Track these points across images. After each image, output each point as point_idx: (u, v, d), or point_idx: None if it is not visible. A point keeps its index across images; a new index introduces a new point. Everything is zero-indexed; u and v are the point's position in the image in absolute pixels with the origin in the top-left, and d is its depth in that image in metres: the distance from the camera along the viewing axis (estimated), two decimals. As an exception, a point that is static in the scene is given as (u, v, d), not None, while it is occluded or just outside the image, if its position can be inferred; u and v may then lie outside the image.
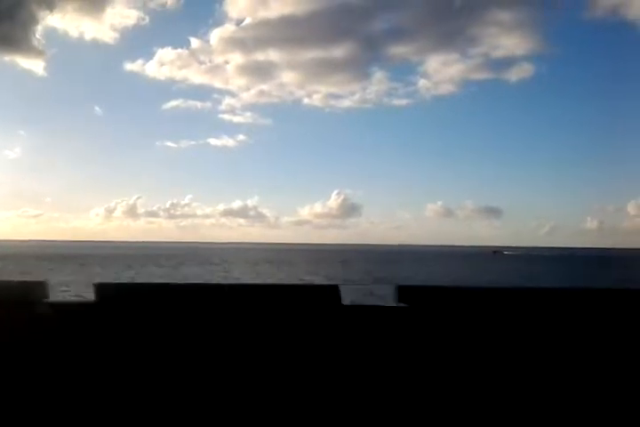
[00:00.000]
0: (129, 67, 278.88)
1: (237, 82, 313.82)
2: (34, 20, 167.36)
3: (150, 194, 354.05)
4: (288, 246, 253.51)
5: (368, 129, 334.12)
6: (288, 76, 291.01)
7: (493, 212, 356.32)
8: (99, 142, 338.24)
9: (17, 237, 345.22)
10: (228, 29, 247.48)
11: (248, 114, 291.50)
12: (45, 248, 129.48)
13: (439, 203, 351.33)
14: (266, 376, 3.39)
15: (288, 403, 3.33)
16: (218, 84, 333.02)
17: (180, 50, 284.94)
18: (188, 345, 3.45)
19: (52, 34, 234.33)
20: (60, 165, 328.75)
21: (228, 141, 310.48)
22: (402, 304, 3.48)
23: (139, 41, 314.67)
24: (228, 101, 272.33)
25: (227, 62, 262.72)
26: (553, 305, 3.44)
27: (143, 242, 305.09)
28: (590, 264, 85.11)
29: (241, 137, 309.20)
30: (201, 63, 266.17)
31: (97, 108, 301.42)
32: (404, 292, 3.53)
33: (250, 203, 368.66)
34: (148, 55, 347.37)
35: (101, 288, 3.61)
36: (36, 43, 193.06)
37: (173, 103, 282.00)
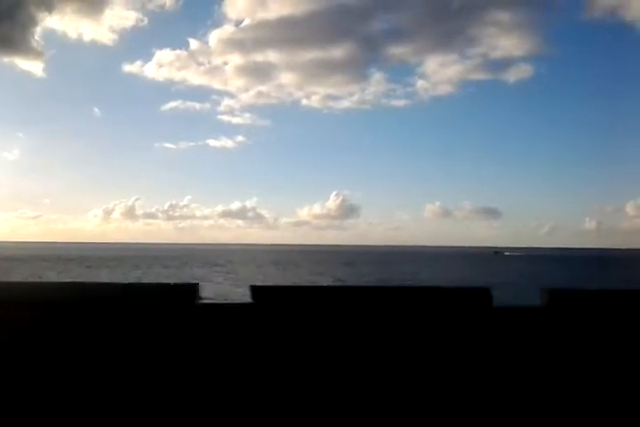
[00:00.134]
0: (128, 68, 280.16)
1: (236, 83, 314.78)
2: (33, 22, 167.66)
3: (149, 195, 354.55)
4: (287, 247, 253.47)
5: (366, 130, 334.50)
6: (287, 77, 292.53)
7: (492, 212, 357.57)
8: (97, 144, 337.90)
9: (15, 238, 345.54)
10: (226, 30, 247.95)
11: (247, 115, 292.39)
12: (45, 250, 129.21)
13: (437, 204, 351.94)
14: (410, 378, 3.40)
15: (435, 405, 3.35)
16: (216, 85, 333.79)
17: (178, 51, 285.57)
18: (339, 348, 3.47)
19: (50, 35, 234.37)
20: (58, 167, 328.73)
21: (226, 142, 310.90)
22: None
23: (137, 42, 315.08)
24: (226, 102, 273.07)
25: (225, 63, 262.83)
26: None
27: (142, 243, 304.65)
28: (591, 265, 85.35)
29: (240, 138, 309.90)
30: (200, 64, 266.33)
31: (96, 110, 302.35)
32: (552, 294, 3.53)
33: (248, 204, 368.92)
34: (147, 56, 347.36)
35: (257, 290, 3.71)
36: (35, 44, 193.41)
37: (172, 104, 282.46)
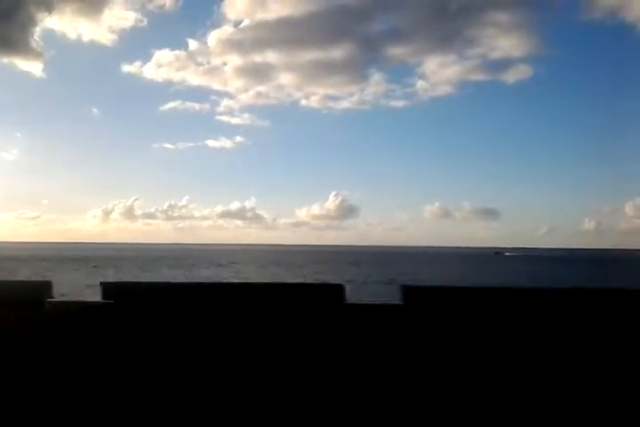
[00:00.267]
0: (127, 68, 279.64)
1: (235, 83, 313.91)
2: (32, 22, 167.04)
3: (148, 196, 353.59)
4: (285, 248, 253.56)
5: (366, 130, 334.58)
6: (286, 78, 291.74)
7: (491, 213, 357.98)
8: (96, 144, 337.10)
9: (14, 238, 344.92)
10: (225, 31, 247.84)
11: (246, 115, 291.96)
12: (46, 250, 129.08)
13: (437, 204, 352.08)
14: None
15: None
16: (216, 85, 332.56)
17: (177, 51, 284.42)
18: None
19: (50, 36, 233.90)
20: (57, 167, 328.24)
21: (225, 143, 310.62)
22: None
23: (136, 43, 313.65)
24: (225, 103, 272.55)
25: (224, 64, 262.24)
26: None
27: (141, 244, 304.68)
28: (593, 265, 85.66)
29: (239, 139, 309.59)
30: (199, 65, 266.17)
31: (95, 110, 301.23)
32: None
33: (247, 204, 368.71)
34: (146, 57, 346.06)
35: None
36: (34, 44, 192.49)
37: (171, 105, 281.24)
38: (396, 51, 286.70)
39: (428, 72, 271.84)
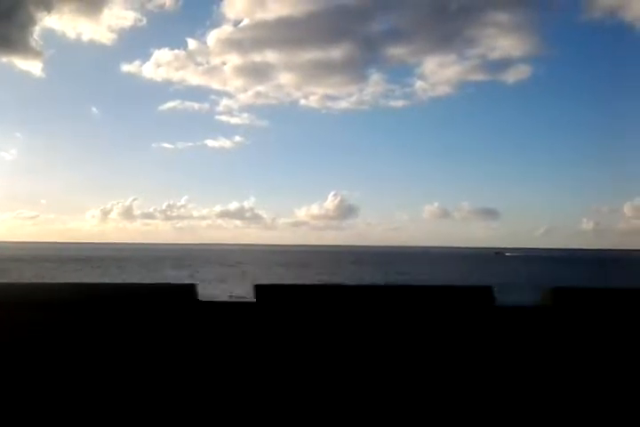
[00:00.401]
0: (126, 68, 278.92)
1: (234, 83, 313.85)
2: (31, 21, 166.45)
3: (146, 195, 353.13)
4: (285, 248, 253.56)
5: (365, 130, 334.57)
6: (285, 78, 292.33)
7: (490, 213, 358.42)
8: (95, 144, 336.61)
9: (13, 238, 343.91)
10: (225, 30, 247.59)
11: (245, 115, 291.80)
12: (45, 250, 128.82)
13: (436, 204, 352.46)
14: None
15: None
16: (215, 85, 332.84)
17: (177, 51, 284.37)
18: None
19: (49, 35, 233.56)
20: (56, 167, 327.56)
21: (225, 143, 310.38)
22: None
23: (136, 42, 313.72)
24: (225, 103, 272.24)
25: (224, 63, 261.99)
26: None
27: (140, 243, 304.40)
28: (594, 265, 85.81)
29: (238, 138, 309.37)
30: (198, 64, 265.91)
31: (94, 110, 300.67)
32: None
33: (246, 204, 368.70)
34: (145, 56, 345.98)
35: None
36: (33, 44, 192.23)
37: (170, 104, 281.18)
38: (396, 51, 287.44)
39: (427, 72, 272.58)
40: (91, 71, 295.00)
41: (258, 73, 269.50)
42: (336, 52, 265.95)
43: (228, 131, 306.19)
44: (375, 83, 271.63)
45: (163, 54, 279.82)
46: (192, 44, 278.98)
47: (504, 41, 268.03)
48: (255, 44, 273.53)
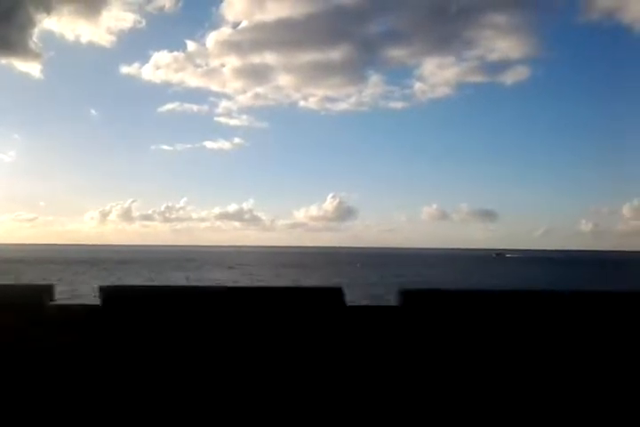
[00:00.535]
0: (125, 70, 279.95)
1: (233, 85, 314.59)
2: (31, 23, 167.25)
3: (145, 197, 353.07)
4: (283, 249, 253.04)
5: (364, 132, 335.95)
6: (284, 79, 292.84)
7: (488, 214, 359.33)
8: (94, 145, 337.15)
9: (11, 240, 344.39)
10: (224, 32, 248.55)
11: (244, 117, 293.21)
12: (45, 252, 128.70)
13: (434, 206, 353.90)
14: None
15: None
16: (214, 87, 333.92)
17: (176, 53, 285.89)
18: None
19: (48, 37, 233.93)
20: (54, 169, 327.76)
21: (224, 144, 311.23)
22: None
23: (135, 44, 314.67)
24: (224, 104, 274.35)
25: (223, 65, 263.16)
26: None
27: (139, 245, 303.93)
28: (594, 267, 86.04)
29: (237, 140, 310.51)
30: (197, 66, 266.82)
31: (93, 111, 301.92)
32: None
33: (245, 206, 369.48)
34: (145, 58, 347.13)
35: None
36: (32, 46, 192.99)
37: (169, 106, 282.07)
38: (395, 52, 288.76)
39: (426, 74, 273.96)
40: (90, 73, 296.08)
41: (257, 75, 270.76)
42: (335, 54, 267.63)
43: (226, 132, 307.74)
44: (374, 84, 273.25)
45: (162, 56, 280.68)
46: (191, 45, 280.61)
47: (502, 42, 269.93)
48: (254, 46, 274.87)
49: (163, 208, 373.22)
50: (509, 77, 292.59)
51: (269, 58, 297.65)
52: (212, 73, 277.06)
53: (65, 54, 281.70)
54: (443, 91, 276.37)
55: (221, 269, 64.48)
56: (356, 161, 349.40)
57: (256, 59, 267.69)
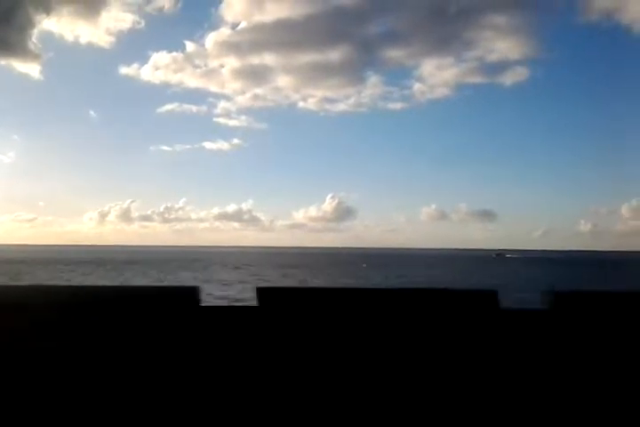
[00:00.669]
0: (124, 70, 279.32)
1: (232, 86, 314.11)
2: (30, 24, 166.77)
3: (144, 198, 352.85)
4: (283, 250, 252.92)
5: (363, 133, 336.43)
6: (283, 80, 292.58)
7: (487, 215, 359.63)
8: (93, 146, 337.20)
9: (11, 241, 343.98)
10: (223, 33, 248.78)
11: (243, 117, 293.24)
12: (46, 253, 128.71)
13: (433, 206, 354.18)
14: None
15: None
16: (213, 87, 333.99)
17: (175, 54, 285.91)
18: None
19: (47, 38, 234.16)
20: (53, 169, 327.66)
21: (222, 145, 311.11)
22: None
23: (134, 45, 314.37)
24: (223, 105, 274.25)
25: (222, 66, 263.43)
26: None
27: (138, 246, 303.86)
28: (597, 267, 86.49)
29: (236, 141, 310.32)
30: (196, 67, 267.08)
31: (92, 112, 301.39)
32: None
33: (244, 206, 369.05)
34: (144, 59, 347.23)
35: (262, 292, 3.69)
36: (32, 46, 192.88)
37: (168, 107, 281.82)
38: (394, 53, 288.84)
39: (425, 74, 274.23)
40: (89, 74, 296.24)
41: (256, 75, 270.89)
42: (334, 55, 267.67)
43: (226, 133, 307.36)
44: (373, 85, 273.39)
45: (161, 57, 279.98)
46: (190, 46, 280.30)
47: (502, 43, 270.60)
48: (253, 47, 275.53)
49: (162, 209, 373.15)
50: (508, 78, 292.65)
51: (268, 59, 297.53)
52: (211, 74, 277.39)
53: (64, 55, 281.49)
54: (442, 91, 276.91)
55: (228, 270, 64.68)
56: (355, 162, 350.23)
57: (255, 59, 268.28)
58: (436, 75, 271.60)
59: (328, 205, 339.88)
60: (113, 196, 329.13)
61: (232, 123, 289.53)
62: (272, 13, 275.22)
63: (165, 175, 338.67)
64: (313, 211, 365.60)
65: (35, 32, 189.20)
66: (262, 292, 3.59)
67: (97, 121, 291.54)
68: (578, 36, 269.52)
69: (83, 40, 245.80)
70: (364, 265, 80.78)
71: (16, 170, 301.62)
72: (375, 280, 47.40)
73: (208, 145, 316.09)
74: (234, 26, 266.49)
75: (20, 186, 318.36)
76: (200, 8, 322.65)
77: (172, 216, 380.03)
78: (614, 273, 66.05)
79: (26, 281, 40.64)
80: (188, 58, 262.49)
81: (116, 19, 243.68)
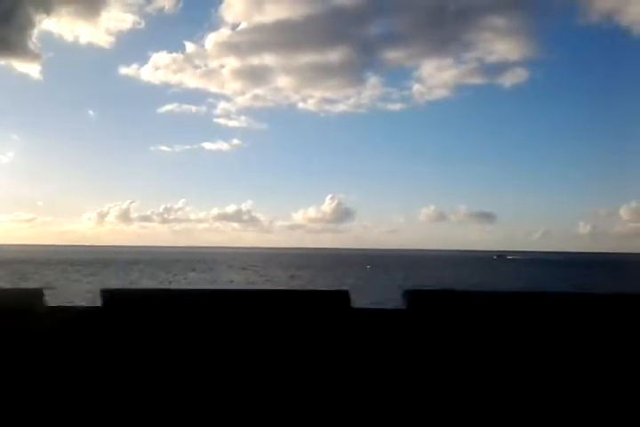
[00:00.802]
0: (124, 71, 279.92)
1: (232, 86, 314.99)
2: (30, 24, 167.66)
3: (144, 198, 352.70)
4: (282, 251, 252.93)
5: (362, 133, 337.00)
6: (283, 81, 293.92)
7: (486, 216, 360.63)
8: (92, 146, 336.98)
9: (9, 241, 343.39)
10: (223, 34, 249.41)
11: (243, 118, 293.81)
12: (45, 253, 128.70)
13: (433, 207, 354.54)
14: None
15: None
16: (213, 88, 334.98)
17: (175, 54, 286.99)
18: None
19: (47, 38, 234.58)
20: (53, 169, 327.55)
21: (222, 146, 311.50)
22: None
23: (134, 45, 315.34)
24: (222, 106, 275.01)
25: (222, 66, 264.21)
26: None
27: (137, 246, 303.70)
28: (594, 268, 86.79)
29: (235, 141, 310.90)
30: (196, 67, 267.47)
31: (91, 112, 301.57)
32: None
33: (244, 207, 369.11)
34: (143, 59, 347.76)
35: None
36: (32, 46, 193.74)
37: (168, 107, 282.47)
38: (393, 54, 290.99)
39: (424, 75, 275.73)
40: (89, 74, 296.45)
41: (256, 76, 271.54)
42: (334, 56, 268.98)
43: (225, 134, 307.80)
44: (373, 86, 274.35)
45: (161, 57, 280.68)
46: (190, 47, 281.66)
47: (501, 45, 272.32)
48: (253, 48, 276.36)
49: (161, 209, 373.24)
50: (508, 79, 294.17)
51: (268, 59, 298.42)
52: (210, 74, 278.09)
53: (64, 55, 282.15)
54: (441, 92, 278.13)
55: (234, 271, 64.95)
56: (354, 162, 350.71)
57: (255, 60, 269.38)
58: (436, 76, 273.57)
59: (327, 205, 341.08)
60: (112, 196, 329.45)
61: (232, 123, 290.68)
62: (272, 14, 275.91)
63: (165, 176, 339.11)
64: (312, 212, 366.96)
65: (35, 32, 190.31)
66: (412, 295, 3.52)
67: (96, 121, 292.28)
68: (577, 37, 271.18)
69: (83, 40, 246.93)
70: (369, 266, 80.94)
71: (15, 170, 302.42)
72: (395, 281, 47.18)
73: (208, 145, 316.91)
74: (234, 26, 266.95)
75: (18, 186, 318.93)
76: (200, 8, 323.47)
77: (172, 217, 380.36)
78: (613, 274, 66.39)
79: (35, 281, 40.85)
80: (188, 58, 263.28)
81: (116, 19, 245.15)
